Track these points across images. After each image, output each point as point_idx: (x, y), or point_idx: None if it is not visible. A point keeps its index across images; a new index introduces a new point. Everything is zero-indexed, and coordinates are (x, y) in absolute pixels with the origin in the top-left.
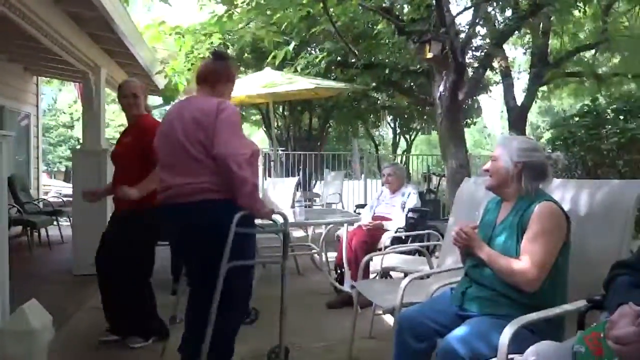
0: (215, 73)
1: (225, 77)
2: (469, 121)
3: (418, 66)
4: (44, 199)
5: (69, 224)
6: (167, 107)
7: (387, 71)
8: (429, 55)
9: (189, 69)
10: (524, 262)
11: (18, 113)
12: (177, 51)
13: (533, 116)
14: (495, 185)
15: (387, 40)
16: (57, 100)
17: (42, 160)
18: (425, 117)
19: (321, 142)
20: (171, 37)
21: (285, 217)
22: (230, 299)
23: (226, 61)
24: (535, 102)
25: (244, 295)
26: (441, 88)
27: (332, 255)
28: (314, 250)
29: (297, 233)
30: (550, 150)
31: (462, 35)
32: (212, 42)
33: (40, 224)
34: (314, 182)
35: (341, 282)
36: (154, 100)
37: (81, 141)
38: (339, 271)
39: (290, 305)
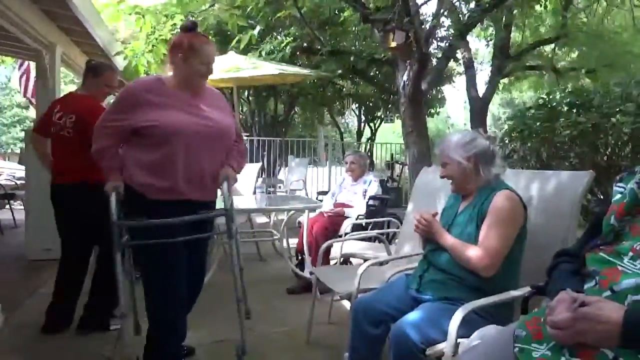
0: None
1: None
2: (432, 111)
3: (383, 55)
4: None
5: (21, 207)
6: None
7: (352, 59)
8: (393, 44)
9: (150, 51)
10: (481, 250)
11: None
12: (137, 31)
13: (495, 107)
14: (459, 186)
15: (352, 28)
16: (11, 79)
17: None
18: (389, 105)
19: (286, 128)
20: (132, 17)
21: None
22: None
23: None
24: (497, 93)
25: None
26: (405, 77)
27: (293, 242)
28: (275, 237)
29: (259, 219)
30: (507, 141)
31: (427, 26)
32: (174, 24)
33: None
34: (278, 168)
35: (302, 268)
36: None
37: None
38: (299, 257)
39: (251, 291)
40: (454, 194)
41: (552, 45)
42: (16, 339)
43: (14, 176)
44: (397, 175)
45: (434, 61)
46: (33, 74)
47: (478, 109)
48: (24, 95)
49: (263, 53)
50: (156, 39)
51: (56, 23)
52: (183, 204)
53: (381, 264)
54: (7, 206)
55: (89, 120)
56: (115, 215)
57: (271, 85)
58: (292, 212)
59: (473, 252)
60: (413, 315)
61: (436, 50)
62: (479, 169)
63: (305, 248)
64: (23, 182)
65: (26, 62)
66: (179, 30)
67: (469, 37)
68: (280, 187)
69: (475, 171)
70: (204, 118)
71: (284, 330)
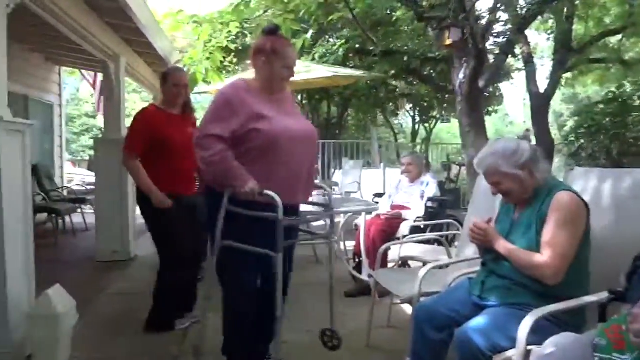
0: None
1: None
2: (489, 109)
3: (437, 53)
4: (68, 187)
5: (92, 211)
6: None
7: (405, 58)
8: (449, 41)
9: (207, 58)
10: (545, 256)
11: (42, 102)
12: (194, 40)
13: (556, 104)
14: (519, 198)
15: (406, 27)
16: (80, 90)
17: (66, 149)
18: (445, 105)
19: (340, 130)
20: (189, 26)
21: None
22: None
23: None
24: (559, 89)
25: None
26: (461, 75)
27: (350, 244)
28: (332, 239)
29: (315, 222)
30: (573, 138)
31: (483, 21)
32: (229, 31)
33: (65, 212)
34: (332, 170)
35: (359, 271)
36: None
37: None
38: (357, 260)
39: (309, 293)
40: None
41: (619, 36)
42: (89, 334)
43: (84, 181)
44: (455, 176)
45: (491, 58)
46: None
47: (539, 105)
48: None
49: (316, 56)
50: (213, 47)
51: (120, 35)
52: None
53: (442, 267)
54: (79, 210)
55: None
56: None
57: (324, 88)
58: (349, 214)
59: (537, 259)
60: (478, 321)
61: (493, 46)
62: (533, 173)
63: (363, 251)
64: (93, 187)
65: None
66: (234, 37)
67: (527, 31)
68: (334, 189)
69: (530, 177)
70: (297, 122)
71: (343, 333)
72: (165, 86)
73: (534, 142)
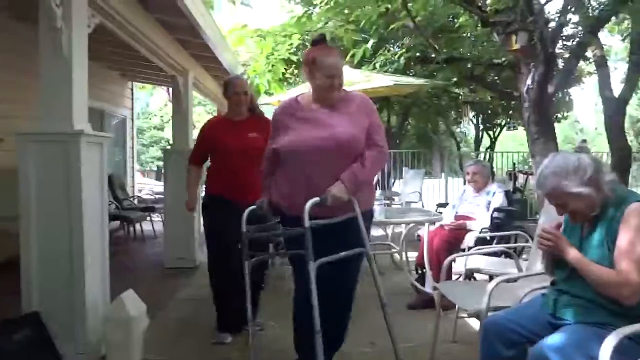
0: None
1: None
2: (559, 115)
3: (503, 59)
4: (139, 196)
5: (160, 219)
6: None
7: (469, 65)
8: (516, 46)
9: (269, 70)
10: (621, 272)
11: (116, 116)
12: (257, 53)
13: (632, 108)
14: (587, 216)
15: (468, 33)
16: (149, 104)
17: (136, 160)
18: (510, 112)
19: (400, 139)
20: (252, 39)
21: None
22: None
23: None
24: (636, 93)
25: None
26: (529, 81)
27: (411, 255)
28: (393, 250)
29: (375, 232)
30: None
31: (552, 24)
32: (291, 43)
33: (136, 220)
34: (392, 180)
35: (422, 283)
36: None
37: (171, 142)
38: (419, 271)
39: (370, 305)
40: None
41: None
42: (159, 338)
43: (152, 191)
44: (521, 186)
45: (561, 62)
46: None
47: (613, 110)
48: None
49: (377, 65)
50: (275, 59)
51: (188, 50)
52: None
53: (511, 280)
54: (148, 218)
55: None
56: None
57: (384, 97)
58: (411, 224)
59: (612, 277)
60: (555, 339)
61: (563, 50)
62: (600, 187)
63: (426, 262)
64: (160, 196)
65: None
66: (295, 49)
67: (600, 33)
68: (395, 199)
69: (597, 192)
70: (323, 133)
71: (407, 346)
72: (226, 94)
73: (599, 150)
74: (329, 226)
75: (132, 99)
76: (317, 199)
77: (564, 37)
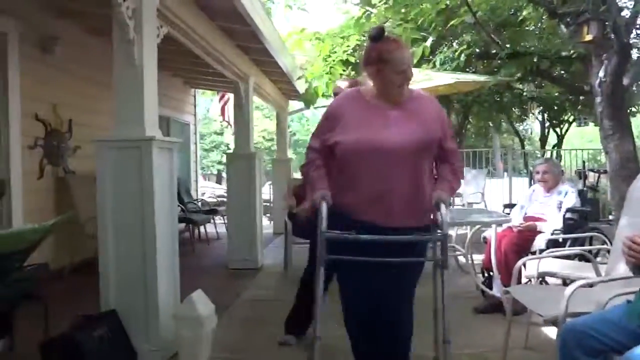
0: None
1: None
2: (634, 109)
3: (571, 51)
4: (202, 199)
5: (222, 222)
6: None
7: (534, 59)
8: (587, 37)
9: (327, 73)
10: None
11: (180, 122)
12: (314, 56)
13: None
14: None
15: (533, 26)
16: (209, 110)
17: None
18: (579, 107)
19: (460, 139)
20: (310, 42)
21: None
22: None
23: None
24: None
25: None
26: (601, 73)
27: (477, 258)
28: (458, 252)
29: None
30: None
31: (626, 13)
32: (349, 45)
33: (200, 222)
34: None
35: (489, 286)
36: (295, 104)
37: (231, 146)
38: (486, 275)
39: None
40: None
41: None
42: (226, 337)
43: (214, 194)
44: (593, 184)
45: (636, 53)
46: (231, 101)
47: None
48: (227, 123)
49: (437, 63)
50: (333, 61)
51: (249, 56)
52: (376, 229)
53: (591, 285)
54: (211, 220)
55: None
56: (324, 226)
57: (444, 96)
58: (477, 226)
59: None
60: None
61: (637, 40)
62: None
63: (494, 265)
64: (222, 199)
65: (227, 94)
66: (352, 50)
67: None
68: (456, 200)
69: None
70: (392, 133)
71: (476, 352)
72: None
73: None
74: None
75: (195, 106)
76: (445, 211)
77: (639, 26)
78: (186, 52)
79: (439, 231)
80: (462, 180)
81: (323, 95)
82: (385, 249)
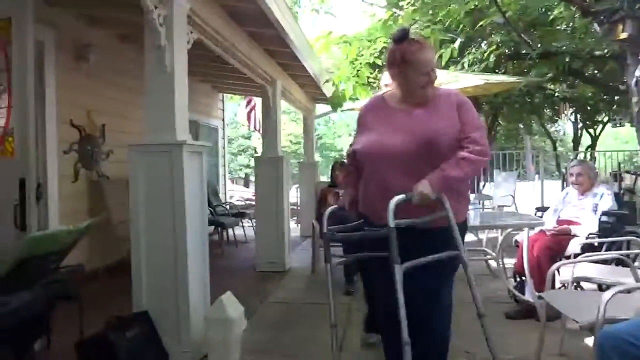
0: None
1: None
2: None
3: (605, 50)
4: (231, 203)
5: (249, 224)
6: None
7: (566, 59)
8: (622, 35)
9: (354, 76)
10: None
11: (208, 127)
12: (340, 59)
13: None
14: None
15: (565, 25)
16: (237, 114)
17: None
18: (614, 107)
19: (490, 141)
20: (337, 46)
21: None
22: None
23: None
24: None
25: None
26: (637, 72)
27: (508, 262)
28: (489, 256)
29: (468, 237)
30: None
31: None
32: (375, 48)
33: (229, 225)
34: (482, 183)
35: (521, 291)
36: (322, 108)
37: (258, 150)
38: (518, 279)
39: (465, 313)
40: None
41: None
42: (255, 339)
43: (242, 197)
44: (630, 187)
45: None
46: (258, 107)
47: None
48: (254, 128)
49: (465, 65)
50: (360, 64)
51: (276, 60)
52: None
53: (629, 291)
54: (240, 223)
55: None
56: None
57: (472, 97)
58: (508, 229)
59: None
60: None
61: None
62: None
63: (526, 269)
64: (250, 202)
65: (253, 99)
66: (378, 52)
67: None
68: (483, 202)
69: None
70: (401, 134)
71: (508, 358)
72: None
73: None
74: (416, 235)
75: (223, 110)
76: (402, 196)
77: None
78: (214, 57)
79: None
80: (474, 168)
81: (350, 99)
82: (404, 249)
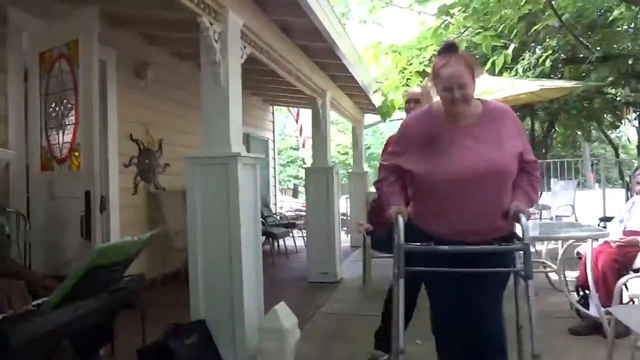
0: None
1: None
2: None
3: None
4: (281, 213)
5: (300, 235)
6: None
7: (629, 62)
8: None
9: (405, 84)
10: None
11: (259, 139)
12: (388, 69)
13: None
14: None
15: (626, 27)
16: (285, 125)
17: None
18: None
19: (545, 148)
20: (386, 55)
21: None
22: None
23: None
24: None
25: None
26: None
27: (570, 275)
28: (549, 269)
29: None
30: None
31: None
32: (424, 56)
33: (280, 235)
34: (539, 192)
35: (585, 306)
36: (371, 118)
37: (306, 161)
38: (581, 293)
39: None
40: None
41: None
42: (308, 350)
43: (291, 207)
44: None
45: None
46: (301, 117)
47: None
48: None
49: (520, 71)
50: (410, 72)
51: (325, 72)
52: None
53: None
54: (290, 234)
55: None
56: (402, 239)
57: (527, 104)
58: (570, 241)
59: None
60: None
61: None
62: None
63: (590, 283)
64: (299, 213)
65: (294, 110)
66: (428, 61)
67: None
68: (541, 212)
69: None
70: (472, 159)
71: None
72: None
73: None
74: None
75: (273, 122)
76: (525, 221)
77: None
78: (266, 71)
79: (518, 242)
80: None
81: (399, 108)
82: (465, 261)
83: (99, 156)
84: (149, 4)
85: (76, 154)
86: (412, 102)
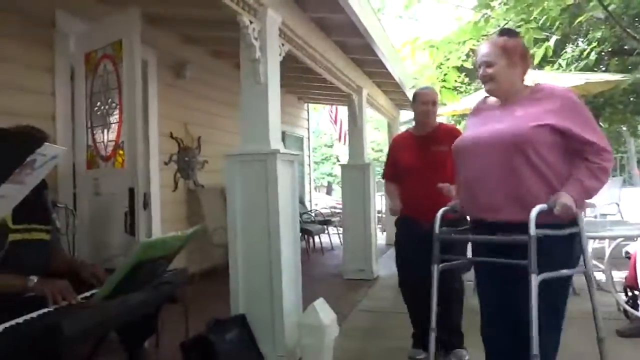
0: None
1: None
2: None
3: None
4: (316, 210)
5: (335, 232)
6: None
7: None
8: None
9: (442, 80)
10: None
11: (295, 136)
12: (424, 65)
13: None
14: None
15: None
16: (319, 123)
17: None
18: None
19: None
20: (423, 51)
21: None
22: None
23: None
24: None
25: None
26: None
27: (617, 275)
28: (596, 268)
29: None
30: None
31: None
32: (462, 51)
33: (315, 232)
34: (603, 181)
35: (634, 307)
36: (405, 114)
37: (341, 158)
38: (630, 294)
39: (572, 329)
40: None
41: None
42: (347, 346)
43: (327, 204)
44: None
45: None
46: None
47: None
48: (341, 139)
49: (563, 64)
50: (447, 67)
51: (362, 68)
52: (485, 225)
53: None
54: (325, 231)
55: None
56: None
57: None
58: (618, 239)
59: None
60: None
61: None
62: None
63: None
64: (334, 210)
65: (333, 107)
66: (465, 56)
67: None
68: (587, 211)
69: None
70: (492, 127)
71: None
72: (414, 106)
73: None
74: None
75: (308, 120)
76: (543, 205)
77: None
78: (302, 68)
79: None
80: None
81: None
82: (499, 251)
83: (141, 154)
84: (188, 4)
85: (120, 151)
86: (429, 104)
